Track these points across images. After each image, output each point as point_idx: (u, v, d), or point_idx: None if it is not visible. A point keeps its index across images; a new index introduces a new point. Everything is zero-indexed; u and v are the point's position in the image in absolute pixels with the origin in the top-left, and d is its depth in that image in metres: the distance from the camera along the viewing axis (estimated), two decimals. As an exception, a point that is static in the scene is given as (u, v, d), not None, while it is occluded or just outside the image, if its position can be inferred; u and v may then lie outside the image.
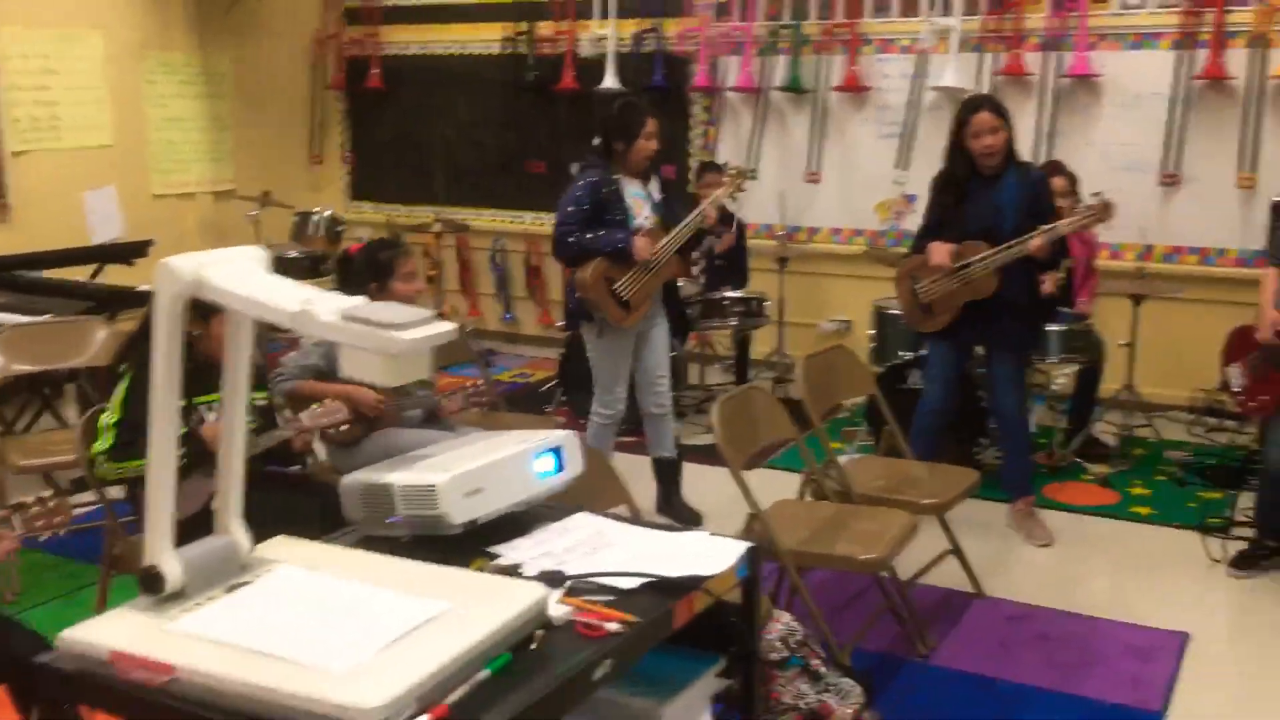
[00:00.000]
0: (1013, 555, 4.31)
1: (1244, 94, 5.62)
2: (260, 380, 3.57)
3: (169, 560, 1.66)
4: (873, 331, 5.60)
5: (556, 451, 2.17)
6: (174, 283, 1.56)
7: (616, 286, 4.30)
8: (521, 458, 2.09)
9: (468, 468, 1.99)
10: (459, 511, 1.95)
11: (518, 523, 2.10)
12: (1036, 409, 5.43)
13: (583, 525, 2.12)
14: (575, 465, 2.22)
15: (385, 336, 1.45)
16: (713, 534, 2.09)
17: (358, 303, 1.51)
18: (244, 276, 1.57)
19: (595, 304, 4.31)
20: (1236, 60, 5.61)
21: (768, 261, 6.22)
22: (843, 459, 4.94)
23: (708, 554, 1.97)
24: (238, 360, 1.72)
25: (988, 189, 4.19)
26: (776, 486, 3.88)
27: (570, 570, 1.88)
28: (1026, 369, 5.16)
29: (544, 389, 6.50)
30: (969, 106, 4.19)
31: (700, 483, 4.70)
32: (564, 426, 5.51)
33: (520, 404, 6.24)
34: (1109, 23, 5.86)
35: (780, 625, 2.75)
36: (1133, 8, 5.81)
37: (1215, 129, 5.70)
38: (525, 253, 7.66)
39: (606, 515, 2.70)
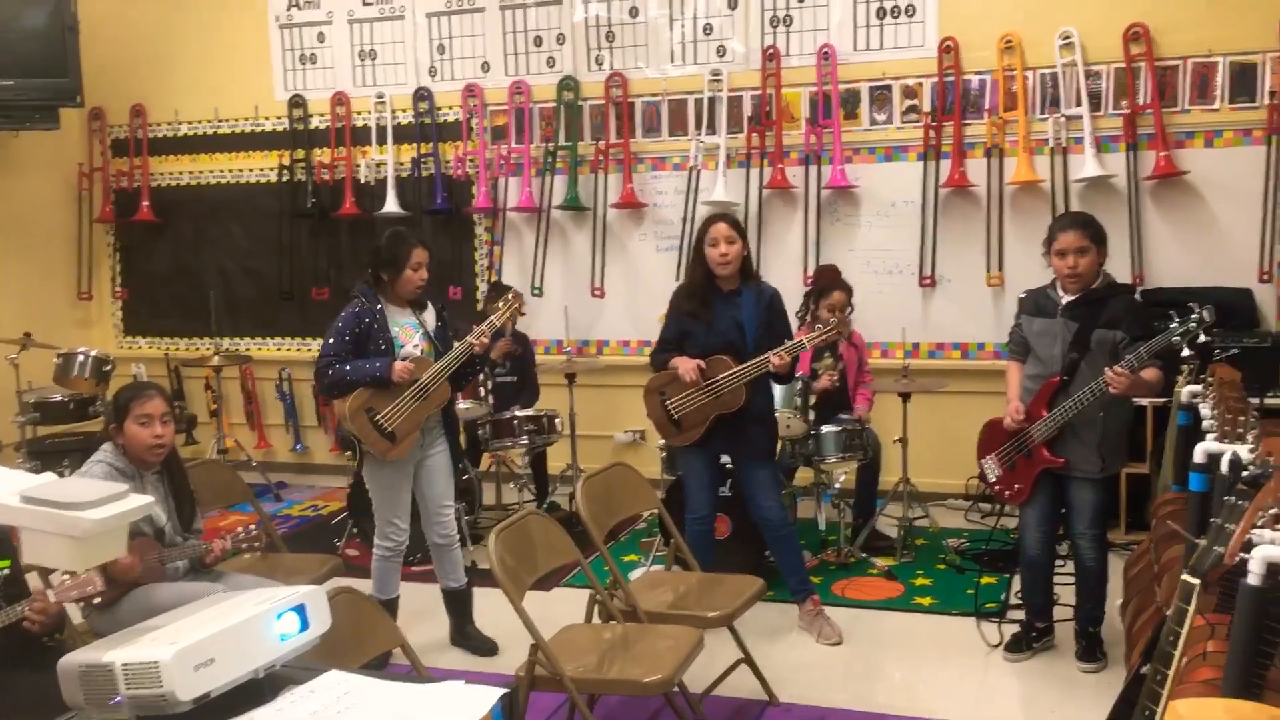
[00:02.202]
0: (805, 657, 4.36)
1: (985, 200, 6.05)
2: (3, 545, 3.31)
3: None
4: (663, 441, 5.67)
5: (300, 610, 2.08)
6: None
7: (378, 418, 4.19)
8: (259, 620, 1.99)
9: (196, 638, 1.88)
10: (187, 687, 1.83)
11: (260, 689, 1.99)
12: (824, 506, 5.60)
13: (330, 686, 2.03)
14: (322, 621, 2.13)
15: (69, 518, 1.36)
16: (469, 681, 2.04)
17: (43, 481, 1.42)
18: (-86, 461, 1.45)
19: (359, 436, 4.21)
20: (976, 169, 6.06)
21: (557, 377, 6.25)
22: (638, 572, 4.98)
23: (459, 705, 1.91)
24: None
25: (729, 305, 4.35)
26: (575, 606, 3.85)
27: (310, 739, 1.80)
28: (789, 471, 5.34)
29: (335, 521, 6.29)
30: (710, 219, 4.38)
31: (502, 607, 4.59)
32: (355, 560, 5.37)
33: (311, 538, 6.02)
34: (860, 138, 6.25)
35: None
36: (881, 124, 6.21)
37: (964, 233, 6.11)
38: (313, 381, 7.46)
39: (369, 666, 2.61)
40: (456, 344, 4.26)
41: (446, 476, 4.43)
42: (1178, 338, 3.71)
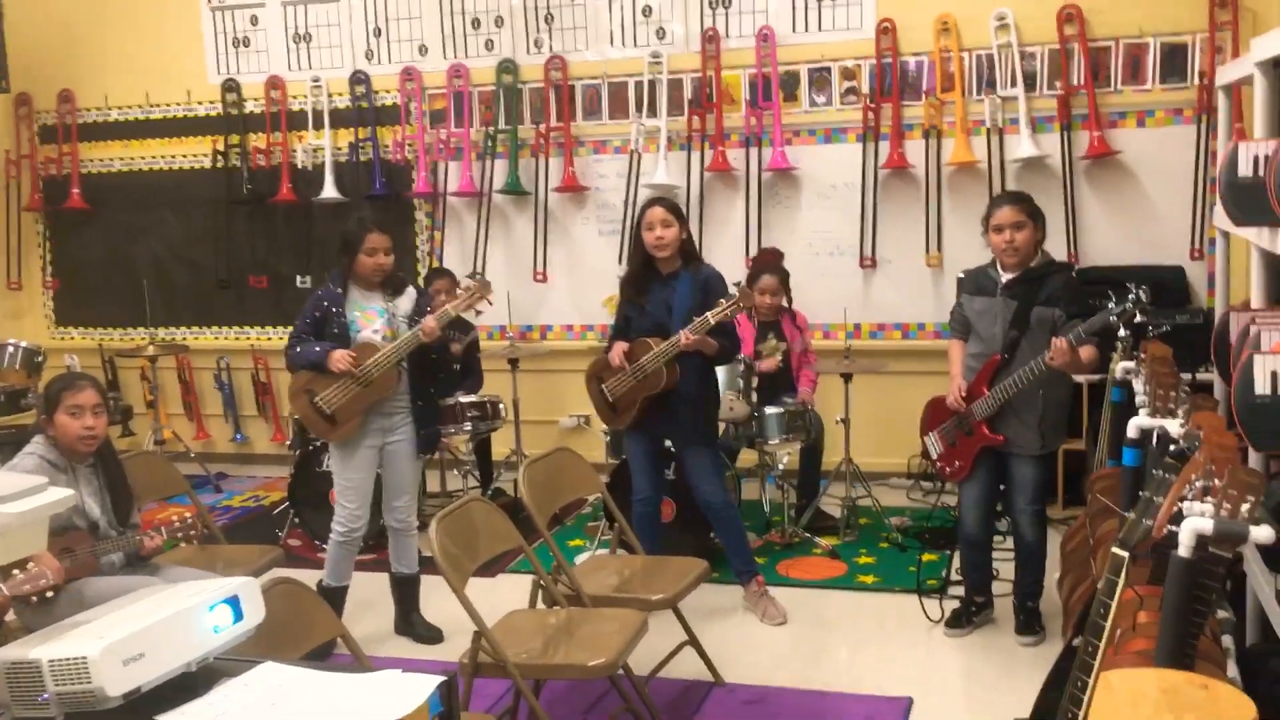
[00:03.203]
0: (750, 637, 4.39)
1: (924, 181, 6.10)
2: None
3: None
4: (606, 426, 5.66)
5: (234, 601, 2.05)
6: None
7: (317, 399, 4.21)
8: (191, 613, 1.96)
9: (126, 632, 1.84)
10: (116, 682, 1.80)
11: (193, 683, 1.96)
12: (768, 488, 5.63)
13: (265, 678, 2.00)
14: (257, 613, 2.10)
15: (-15, 512, 1.32)
16: (406, 670, 2.02)
17: (-43, 476, 1.38)
18: None
19: (301, 417, 4.27)
20: (915, 150, 6.09)
21: (500, 362, 6.21)
22: (584, 556, 4.98)
23: (396, 694, 1.90)
24: None
25: (665, 288, 4.39)
26: (520, 592, 3.83)
27: (244, 732, 1.77)
28: (732, 453, 5.34)
29: (276, 512, 6.21)
30: (647, 203, 4.42)
31: (447, 594, 4.56)
32: (297, 550, 5.31)
33: (253, 529, 5.95)
34: (800, 120, 6.26)
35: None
36: (820, 105, 6.23)
37: (903, 214, 6.15)
38: (253, 369, 7.37)
39: (311, 656, 2.58)
40: (406, 334, 4.23)
41: (408, 463, 4.42)
42: (1114, 317, 3.76)
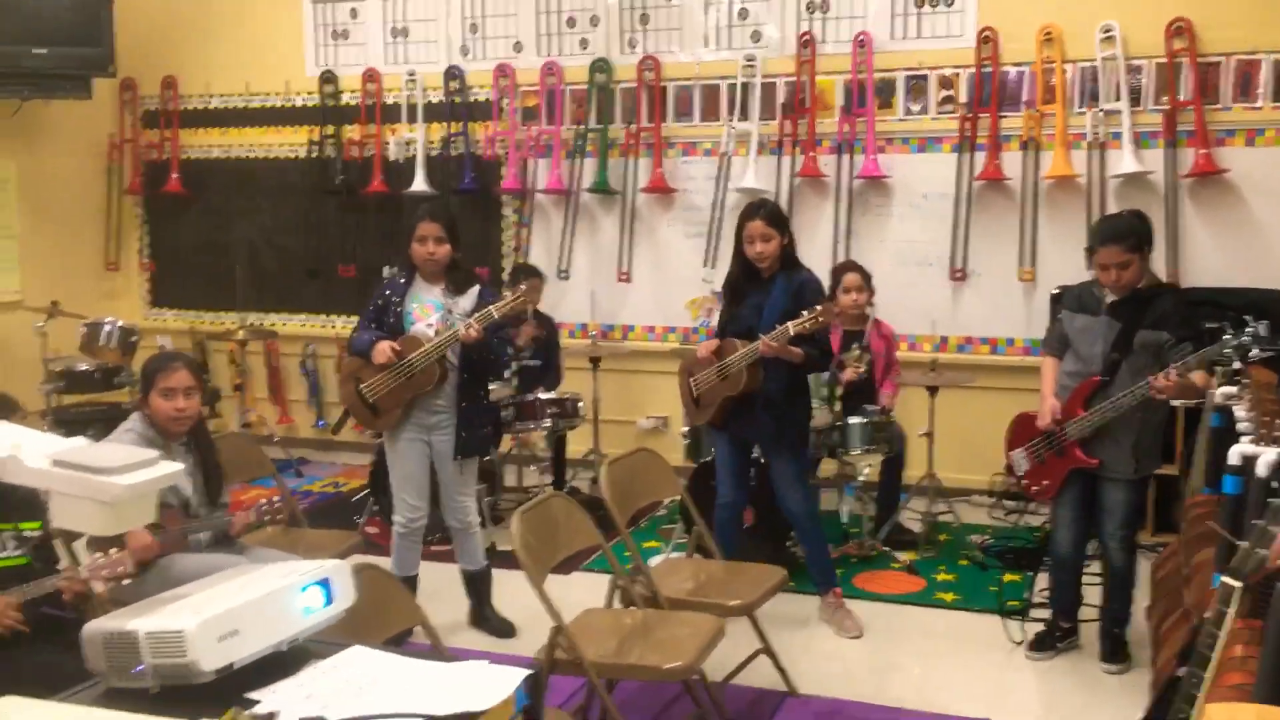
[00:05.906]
0: (824, 649, 4.34)
1: (1020, 194, 5.97)
2: (33, 507, 3.30)
3: None
4: (686, 429, 5.64)
5: (325, 584, 2.06)
6: None
7: (362, 388, 4.27)
8: (284, 593, 1.98)
9: (221, 609, 1.86)
10: (211, 657, 1.82)
11: (283, 662, 1.98)
12: (847, 499, 5.56)
13: (353, 661, 2.01)
14: (346, 596, 2.11)
15: (99, 483, 1.34)
16: (493, 662, 2.01)
17: (74, 445, 1.40)
18: (-55, 420, 1.44)
19: (347, 404, 4.40)
20: (1011, 162, 5.97)
21: (581, 361, 6.22)
22: (658, 559, 4.96)
23: (483, 685, 1.89)
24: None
25: (760, 292, 4.36)
26: (595, 591, 3.82)
27: (333, 715, 1.78)
28: (813, 462, 5.27)
29: (356, 499, 6.29)
30: (745, 213, 4.37)
31: (519, 589, 4.57)
32: (375, 538, 5.36)
33: (332, 515, 6.03)
34: (894, 128, 6.18)
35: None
36: (915, 114, 6.14)
37: (996, 226, 6.03)
38: (337, 358, 7.45)
39: (389, 643, 2.60)
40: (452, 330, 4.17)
41: (451, 464, 4.32)
42: (1230, 350, 3.63)
